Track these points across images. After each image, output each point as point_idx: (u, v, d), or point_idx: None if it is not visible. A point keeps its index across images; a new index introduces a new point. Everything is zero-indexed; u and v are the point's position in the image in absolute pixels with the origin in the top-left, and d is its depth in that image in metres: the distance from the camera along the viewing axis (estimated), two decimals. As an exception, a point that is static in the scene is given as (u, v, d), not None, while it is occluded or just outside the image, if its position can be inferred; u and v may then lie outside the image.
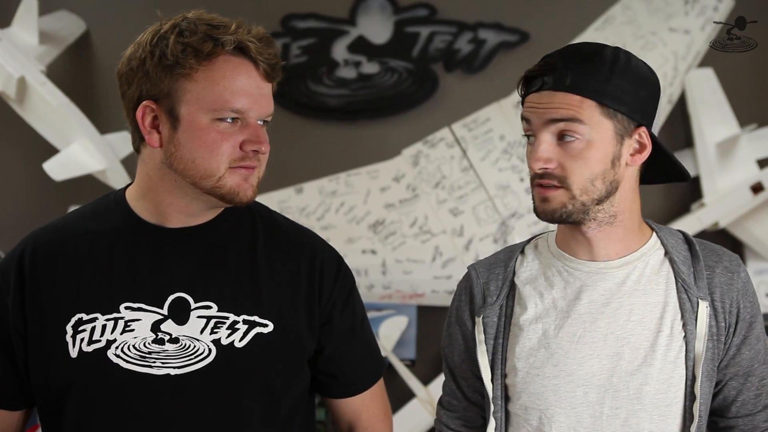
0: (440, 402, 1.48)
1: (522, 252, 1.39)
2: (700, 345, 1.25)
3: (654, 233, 1.34)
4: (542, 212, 1.26)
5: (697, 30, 3.15)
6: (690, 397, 1.26)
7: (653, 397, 1.26)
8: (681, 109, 3.19)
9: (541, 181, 1.25)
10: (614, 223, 1.28)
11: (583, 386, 1.27)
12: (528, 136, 1.28)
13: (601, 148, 1.23)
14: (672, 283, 1.29)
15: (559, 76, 1.23)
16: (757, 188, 3.03)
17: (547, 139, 1.23)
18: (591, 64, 1.24)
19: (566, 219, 1.26)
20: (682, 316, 1.27)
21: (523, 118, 1.27)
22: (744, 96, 3.17)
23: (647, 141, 1.27)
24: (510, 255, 1.39)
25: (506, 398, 1.35)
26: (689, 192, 3.22)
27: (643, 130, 1.26)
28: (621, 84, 1.23)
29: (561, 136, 1.23)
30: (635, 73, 1.25)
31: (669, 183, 1.39)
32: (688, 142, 3.20)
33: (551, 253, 1.35)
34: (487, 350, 1.34)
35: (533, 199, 1.28)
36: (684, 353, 1.26)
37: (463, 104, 3.27)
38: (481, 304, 1.36)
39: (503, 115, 3.24)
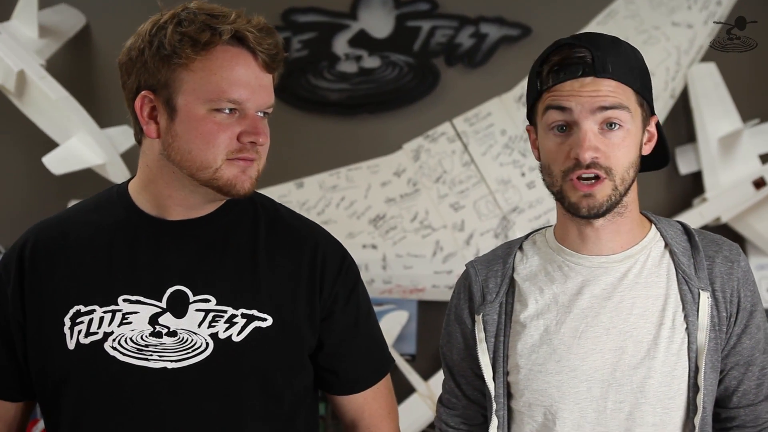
0: (440, 400, 1.47)
1: (520, 248, 1.38)
2: (702, 336, 1.24)
3: (653, 225, 1.33)
4: (586, 207, 1.22)
5: (700, 24, 3.14)
6: (693, 388, 1.25)
7: (657, 390, 1.25)
8: (683, 103, 3.18)
9: (586, 172, 1.21)
10: (624, 213, 1.28)
11: (587, 381, 1.26)
12: (560, 126, 1.23)
13: (635, 135, 1.24)
14: (673, 274, 1.28)
15: (600, 63, 1.20)
16: (759, 183, 3.02)
17: (593, 128, 1.21)
18: (619, 51, 1.24)
19: (607, 211, 1.24)
20: (684, 308, 1.26)
21: (556, 107, 1.22)
22: (747, 91, 3.16)
23: (655, 130, 1.29)
24: (508, 251, 1.38)
25: (509, 395, 1.34)
26: (691, 187, 3.21)
27: (654, 119, 1.28)
28: (642, 72, 1.25)
29: (607, 125, 1.21)
30: (643, 62, 1.27)
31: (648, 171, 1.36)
32: (690, 136, 3.19)
33: (551, 248, 1.34)
34: (488, 348, 1.33)
35: (566, 194, 1.24)
36: (686, 345, 1.25)
37: (465, 99, 3.26)
38: (481, 301, 1.35)
39: (504, 110, 3.23)
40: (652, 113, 1.28)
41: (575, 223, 1.29)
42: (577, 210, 1.23)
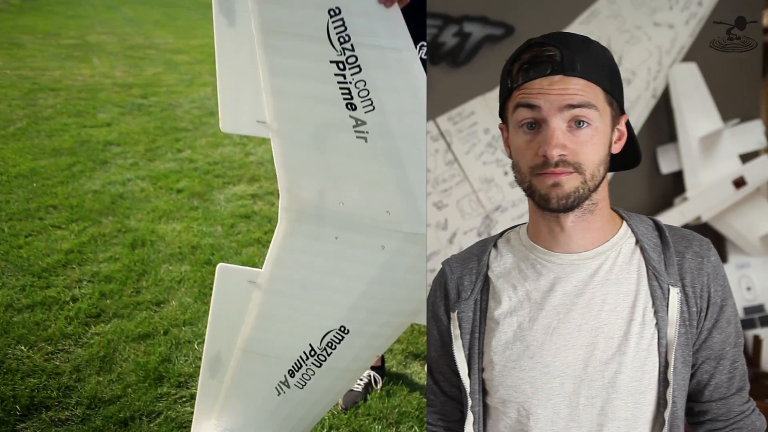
0: (418, 396, 1.48)
1: (495, 246, 1.39)
2: (672, 331, 1.25)
3: (624, 222, 1.34)
4: (554, 197, 1.23)
5: (681, 24, 3.16)
6: (663, 383, 1.26)
7: (628, 384, 1.25)
8: (665, 103, 3.20)
9: (555, 170, 1.21)
10: (595, 211, 1.28)
11: (559, 377, 1.27)
12: (529, 124, 1.24)
13: (604, 133, 1.24)
14: (643, 271, 1.29)
15: (569, 61, 1.22)
16: (739, 183, 3.05)
17: (561, 126, 1.22)
18: (589, 50, 1.25)
19: (575, 204, 1.24)
20: (654, 304, 1.27)
21: (525, 105, 1.24)
22: (727, 91, 3.18)
23: (625, 129, 1.30)
24: (483, 249, 1.39)
25: (484, 392, 1.35)
26: (672, 186, 3.22)
27: (625, 118, 1.29)
28: (612, 72, 1.26)
29: (575, 122, 1.22)
30: (614, 62, 1.28)
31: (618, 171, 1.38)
32: (671, 136, 3.20)
33: (524, 246, 1.35)
34: (463, 345, 1.34)
35: (536, 188, 1.24)
36: (656, 340, 1.26)
37: (448, 97, 3.25)
38: (456, 299, 1.36)
39: (488, 109, 3.23)
40: (622, 112, 1.29)
41: (545, 220, 1.30)
42: (546, 202, 1.24)
